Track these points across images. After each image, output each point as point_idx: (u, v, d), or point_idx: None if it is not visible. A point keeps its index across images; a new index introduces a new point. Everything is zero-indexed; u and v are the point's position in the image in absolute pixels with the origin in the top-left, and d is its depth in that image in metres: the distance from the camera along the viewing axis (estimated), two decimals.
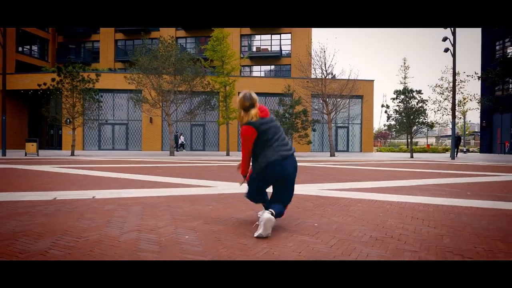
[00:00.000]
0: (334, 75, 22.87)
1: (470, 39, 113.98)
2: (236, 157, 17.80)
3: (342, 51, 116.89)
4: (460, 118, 35.61)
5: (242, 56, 33.06)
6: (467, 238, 2.62)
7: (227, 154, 19.88)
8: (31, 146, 16.66)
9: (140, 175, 6.97)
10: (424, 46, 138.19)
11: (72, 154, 17.74)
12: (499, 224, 3.10)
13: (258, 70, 34.92)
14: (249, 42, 34.98)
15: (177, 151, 26.30)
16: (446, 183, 6.19)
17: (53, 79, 17.44)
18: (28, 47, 34.39)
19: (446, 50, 18.36)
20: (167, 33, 33.95)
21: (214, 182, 6.03)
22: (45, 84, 17.26)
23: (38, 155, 16.56)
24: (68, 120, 18.88)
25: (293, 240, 2.55)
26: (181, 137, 26.20)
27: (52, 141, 30.07)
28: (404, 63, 44.55)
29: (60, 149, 27.34)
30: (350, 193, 4.81)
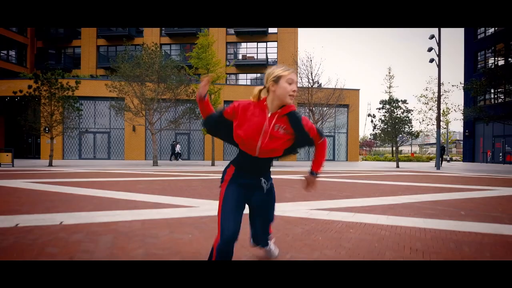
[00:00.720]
0: (320, 84, 22.87)
1: (453, 50, 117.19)
2: (221, 167, 17.40)
3: (329, 59, 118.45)
4: (444, 127, 36.20)
5: (228, 63, 32.84)
6: None
7: (212, 164, 19.45)
8: (6, 157, 15.86)
9: (119, 192, 6.52)
10: (409, 56, 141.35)
11: (50, 165, 17.02)
12: (501, 255, 2.86)
13: (244, 78, 34.73)
14: (235, 49, 34.81)
15: (170, 160, 25.75)
16: (437, 200, 5.99)
17: (29, 86, 16.75)
18: (5, 52, 33.32)
19: (432, 60, 18.55)
20: (151, 39, 33.46)
21: (196, 201, 5.66)
22: (21, 91, 16.56)
23: (13, 166, 15.78)
24: (46, 129, 18.15)
25: None
26: (177, 146, 25.66)
27: (31, 150, 28.97)
28: (389, 72, 45.21)
29: (39, 158, 26.34)
30: (341, 214, 4.52)
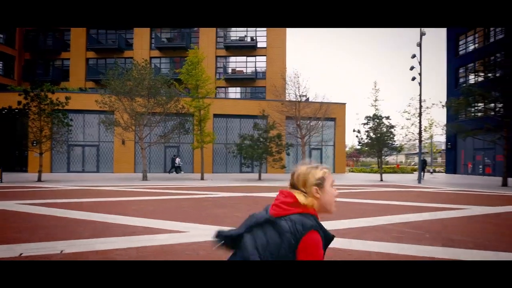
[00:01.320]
0: (308, 98, 23.55)
1: (436, 65, 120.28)
2: (211, 181, 17.74)
3: (316, 72, 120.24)
4: (427, 140, 37.30)
5: (217, 77, 33.42)
6: None
7: (202, 178, 19.77)
8: None
9: (113, 216, 6.85)
10: (394, 72, 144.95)
11: (39, 180, 17.10)
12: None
13: (234, 92, 35.33)
14: (224, 63, 35.44)
15: (169, 173, 25.96)
16: (408, 221, 6.49)
17: (19, 102, 16.90)
18: None
19: (413, 79, 19.40)
20: (140, 53, 33.87)
21: (186, 225, 6.04)
22: (10, 107, 16.70)
23: (1, 182, 15.81)
24: (34, 142, 18.25)
25: None
26: (177, 159, 25.87)
27: (19, 162, 28.77)
28: (375, 86, 46.47)
29: (26, 171, 26.18)
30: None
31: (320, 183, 1.57)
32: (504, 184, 16.76)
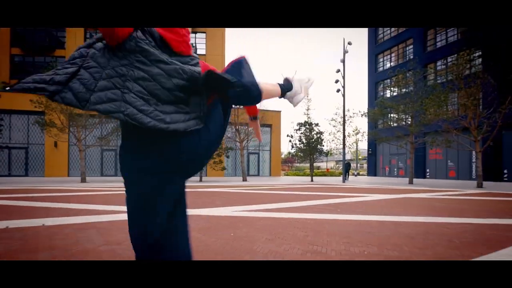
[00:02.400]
0: None
1: (361, 78, 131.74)
2: None
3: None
4: (350, 147, 41.31)
5: None
6: (325, 237, 4.20)
7: None
8: None
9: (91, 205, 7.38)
10: (323, 82, 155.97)
11: None
12: (350, 230, 4.83)
13: None
14: None
15: None
16: (329, 203, 8.12)
17: None
18: None
19: (338, 91, 22.01)
20: (72, 51, 32.55)
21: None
22: None
23: None
24: None
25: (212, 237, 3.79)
26: None
27: None
28: (307, 96, 50.12)
29: None
30: (257, 213, 6.26)
31: None
32: (411, 182, 19.89)
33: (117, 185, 14.82)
